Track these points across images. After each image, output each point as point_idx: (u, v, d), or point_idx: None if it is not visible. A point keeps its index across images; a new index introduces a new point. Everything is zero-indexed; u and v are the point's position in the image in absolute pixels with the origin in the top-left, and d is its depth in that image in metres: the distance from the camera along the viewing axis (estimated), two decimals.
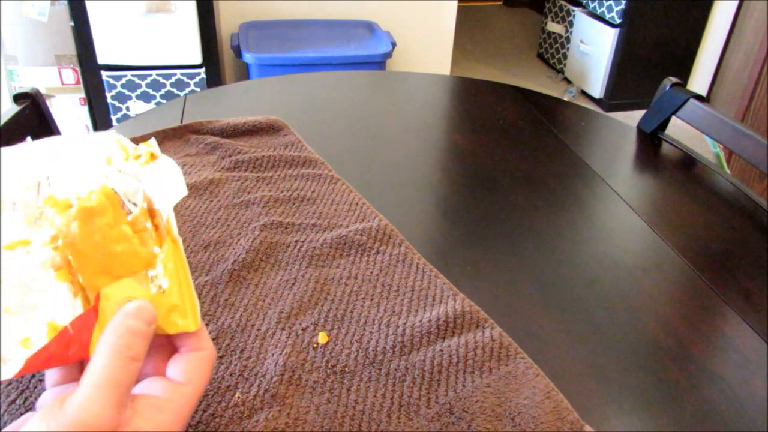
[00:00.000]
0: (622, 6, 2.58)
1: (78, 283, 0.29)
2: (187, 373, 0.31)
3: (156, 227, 0.31)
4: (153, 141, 0.32)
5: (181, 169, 0.33)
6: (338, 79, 1.02)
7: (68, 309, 0.28)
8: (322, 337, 0.46)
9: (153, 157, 0.31)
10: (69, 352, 0.28)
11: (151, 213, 0.31)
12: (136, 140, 0.34)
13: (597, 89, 2.83)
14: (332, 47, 2.06)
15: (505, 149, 0.80)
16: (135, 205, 0.30)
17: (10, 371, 0.27)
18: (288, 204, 0.63)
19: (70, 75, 1.89)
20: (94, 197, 0.29)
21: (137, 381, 0.30)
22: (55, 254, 0.28)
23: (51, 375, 0.32)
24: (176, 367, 0.31)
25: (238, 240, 0.56)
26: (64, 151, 0.32)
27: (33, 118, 0.75)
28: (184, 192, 0.31)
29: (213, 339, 0.46)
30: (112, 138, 0.32)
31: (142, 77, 1.90)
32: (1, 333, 0.27)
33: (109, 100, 1.91)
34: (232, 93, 0.95)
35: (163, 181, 0.31)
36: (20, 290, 0.28)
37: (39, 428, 0.26)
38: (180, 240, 0.31)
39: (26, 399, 0.41)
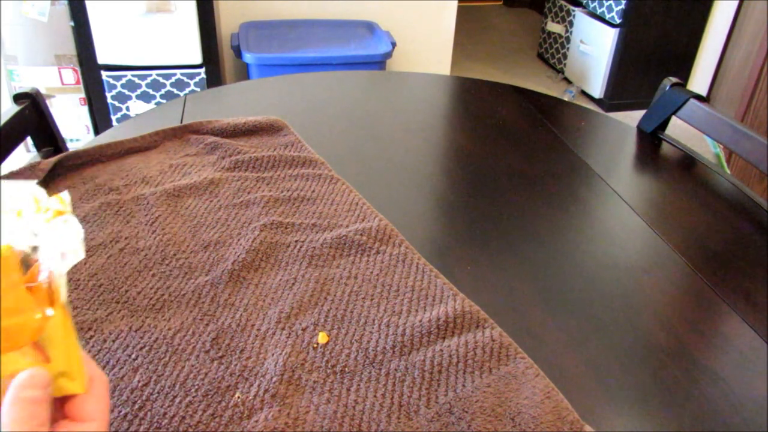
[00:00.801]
0: (622, 6, 2.58)
1: None
2: (88, 411, 0.31)
3: (50, 285, 0.30)
4: (65, 195, 0.32)
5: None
6: (338, 79, 1.02)
7: None
8: (322, 337, 0.46)
9: (59, 213, 0.31)
10: None
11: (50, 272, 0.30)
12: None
13: (597, 89, 2.83)
14: (332, 47, 2.06)
15: (505, 149, 0.80)
16: (36, 261, 0.30)
17: None
18: (288, 204, 0.63)
19: (70, 75, 1.89)
20: None
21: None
22: None
23: None
24: (76, 409, 0.31)
25: (238, 240, 0.56)
26: None
27: (33, 118, 0.75)
28: (81, 256, 0.31)
29: (213, 339, 0.46)
30: (28, 190, 0.31)
31: (142, 77, 1.90)
32: None
33: (109, 100, 1.91)
34: (232, 93, 0.95)
35: (62, 241, 0.30)
36: None
37: None
38: (68, 306, 0.31)
39: None
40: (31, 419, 0.28)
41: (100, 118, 1.96)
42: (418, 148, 0.80)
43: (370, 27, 2.25)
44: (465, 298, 0.51)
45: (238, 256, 0.54)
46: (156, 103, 1.95)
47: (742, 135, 0.75)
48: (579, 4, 2.92)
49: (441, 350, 0.46)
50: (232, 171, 0.68)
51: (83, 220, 0.59)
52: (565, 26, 3.04)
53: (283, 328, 0.47)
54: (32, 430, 0.28)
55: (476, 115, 0.91)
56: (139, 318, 0.48)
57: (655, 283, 0.57)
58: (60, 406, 0.32)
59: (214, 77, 1.97)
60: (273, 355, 0.44)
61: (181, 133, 0.75)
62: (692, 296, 0.56)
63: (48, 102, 1.60)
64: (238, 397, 0.41)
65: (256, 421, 0.39)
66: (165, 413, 0.40)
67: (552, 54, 3.23)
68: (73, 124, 1.96)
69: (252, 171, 0.68)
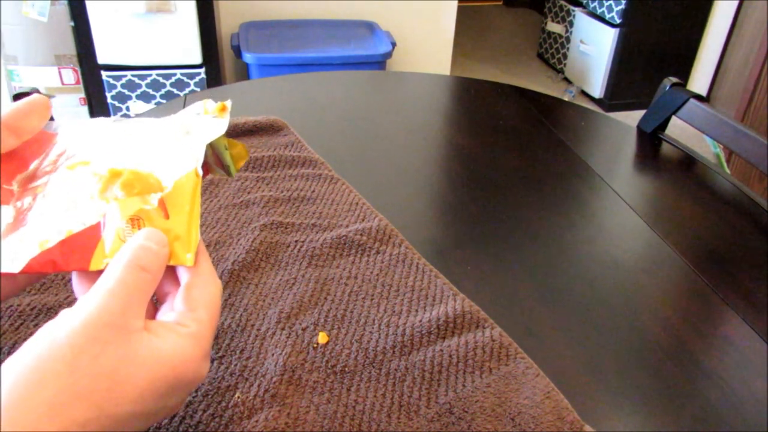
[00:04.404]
0: (622, 6, 2.58)
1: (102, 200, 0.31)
2: (195, 300, 0.31)
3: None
4: (229, 101, 0.37)
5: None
6: (338, 79, 1.02)
7: (83, 219, 0.31)
8: (322, 337, 0.46)
9: (223, 110, 0.37)
10: (71, 258, 0.30)
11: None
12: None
13: (597, 89, 2.83)
14: (332, 47, 2.06)
15: (505, 149, 0.80)
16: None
17: (16, 266, 0.29)
18: (288, 204, 0.63)
19: (70, 75, 1.89)
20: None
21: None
22: (99, 183, 0.31)
23: (80, 288, 0.32)
24: (182, 299, 0.31)
25: (238, 240, 0.56)
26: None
27: None
28: (222, 132, 0.35)
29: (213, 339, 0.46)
30: (200, 104, 0.37)
31: (142, 77, 1.90)
32: (27, 234, 0.30)
33: (109, 100, 1.91)
34: (232, 93, 0.95)
35: (211, 125, 0.35)
36: (67, 203, 0.31)
37: (46, 328, 0.27)
38: (201, 176, 0.33)
39: None
40: (137, 259, 0.29)
41: None
42: (418, 147, 0.80)
43: (370, 27, 2.25)
44: (465, 298, 0.51)
45: (238, 256, 0.54)
46: (156, 103, 1.96)
47: (742, 135, 0.75)
48: (579, 4, 2.92)
49: (441, 350, 0.46)
50: None
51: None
52: (565, 26, 3.04)
53: (283, 328, 0.47)
54: (133, 266, 0.29)
55: (476, 115, 0.91)
56: None
57: (655, 283, 0.57)
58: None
59: (214, 77, 1.97)
60: (273, 355, 0.44)
61: None
62: (692, 296, 0.56)
63: None
64: (238, 397, 0.41)
65: (256, 421, 0.39)
66: None
67: (552, 54, 3.23)
68: None
69: (252, 171, 0.68)
